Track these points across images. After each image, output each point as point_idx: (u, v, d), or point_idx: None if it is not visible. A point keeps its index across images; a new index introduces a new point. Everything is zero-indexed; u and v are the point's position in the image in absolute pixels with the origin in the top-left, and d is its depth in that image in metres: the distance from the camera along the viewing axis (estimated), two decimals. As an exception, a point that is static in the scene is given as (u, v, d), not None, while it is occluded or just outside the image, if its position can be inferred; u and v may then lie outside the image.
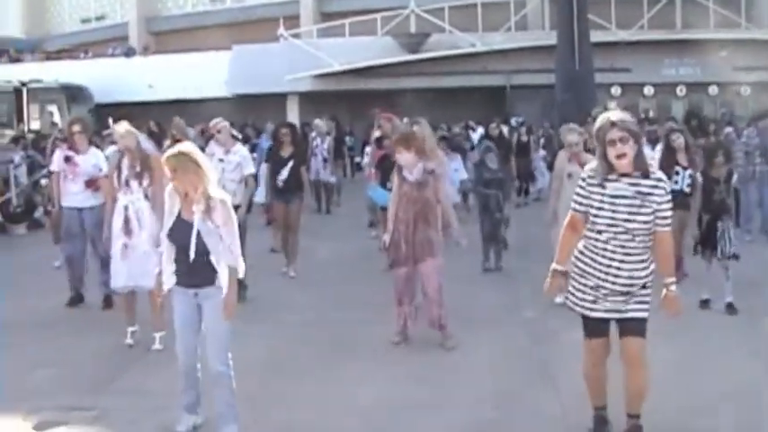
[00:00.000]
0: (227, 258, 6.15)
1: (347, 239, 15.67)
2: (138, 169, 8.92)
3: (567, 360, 7.49)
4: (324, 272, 12.84)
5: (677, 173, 11.01)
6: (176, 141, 10.51)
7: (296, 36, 35.29)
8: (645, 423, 5.97)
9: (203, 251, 6.10)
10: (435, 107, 30.33)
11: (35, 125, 32.27)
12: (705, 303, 10.15)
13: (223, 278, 6.18)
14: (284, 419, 6.80)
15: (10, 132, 25.18)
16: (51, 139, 18.37)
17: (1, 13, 51.69)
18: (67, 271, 11.10)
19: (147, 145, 9.63)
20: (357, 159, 24.98)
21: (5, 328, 9.81)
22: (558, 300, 9.83)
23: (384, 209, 10.72)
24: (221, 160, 10.84)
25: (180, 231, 6.16)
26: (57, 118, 33.27)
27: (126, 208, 8.86)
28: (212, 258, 6.13)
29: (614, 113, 5.80)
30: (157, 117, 22.83)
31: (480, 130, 23.59)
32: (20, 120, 32.35)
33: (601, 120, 5.76)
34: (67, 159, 10.64)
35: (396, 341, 8.94)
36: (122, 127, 9.18)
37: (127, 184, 8.93)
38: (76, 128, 10.71)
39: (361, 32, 34.38)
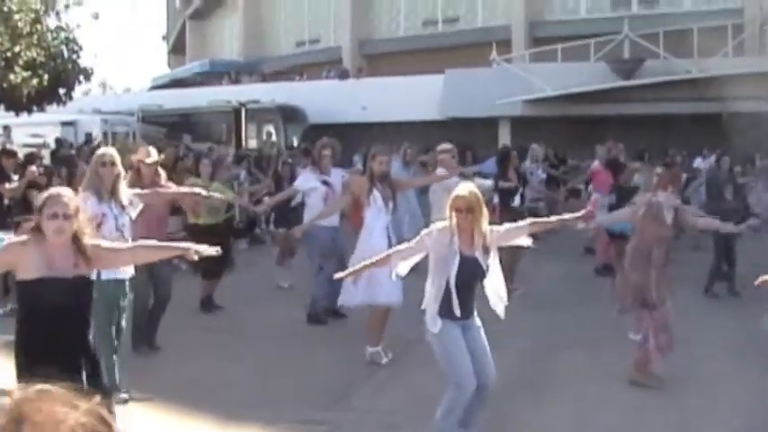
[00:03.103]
0: (500, 290, 6.55)
1: (557, 263, 15.15)
2: (389, 192, 9.25)
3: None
4: (541, 296, 12.57)
5: None
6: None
7: (508, 61, 35.24)
8: None
9: (478, 285, 6.41)
10: (647, 134, 29.65)
11: (252, 144, 33.51)
12: None
13: (498, 307, 6.58)
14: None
15: (231, 151, 26.21)
16: (278, 159, 19.17)
17: (221, 37, 54.43)
18: (315, 287, 10.94)
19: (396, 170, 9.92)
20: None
21: (246, 338, 10.24)
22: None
23: (613, 237, 10.79)
24: None
25: (468, 267, 6.26)
26: (273, 137, 34.52)
27: (387, 229, 9.12)
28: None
29: None
30: (370, 138, 23.20)
31: (711, 159, 22.72)
32: (238, 138, 33.66)
33: None
34: (325, 183, 10.88)
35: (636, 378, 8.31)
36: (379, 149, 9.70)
37: (386, 205, 9.21)
38: (326, 152, 10.94)
39: (574, 58, 33.98)
